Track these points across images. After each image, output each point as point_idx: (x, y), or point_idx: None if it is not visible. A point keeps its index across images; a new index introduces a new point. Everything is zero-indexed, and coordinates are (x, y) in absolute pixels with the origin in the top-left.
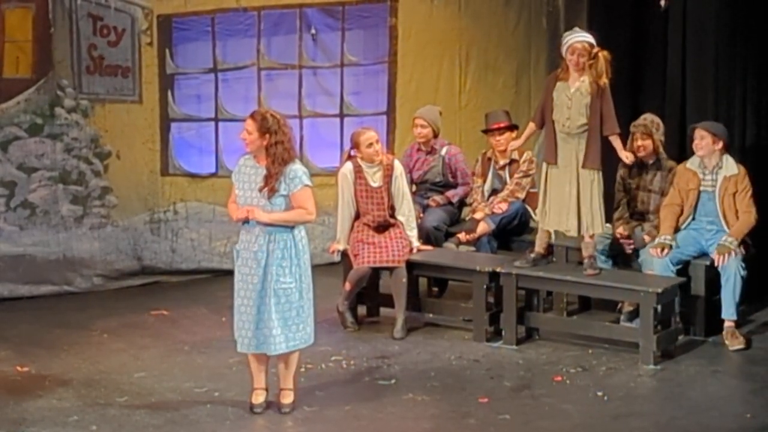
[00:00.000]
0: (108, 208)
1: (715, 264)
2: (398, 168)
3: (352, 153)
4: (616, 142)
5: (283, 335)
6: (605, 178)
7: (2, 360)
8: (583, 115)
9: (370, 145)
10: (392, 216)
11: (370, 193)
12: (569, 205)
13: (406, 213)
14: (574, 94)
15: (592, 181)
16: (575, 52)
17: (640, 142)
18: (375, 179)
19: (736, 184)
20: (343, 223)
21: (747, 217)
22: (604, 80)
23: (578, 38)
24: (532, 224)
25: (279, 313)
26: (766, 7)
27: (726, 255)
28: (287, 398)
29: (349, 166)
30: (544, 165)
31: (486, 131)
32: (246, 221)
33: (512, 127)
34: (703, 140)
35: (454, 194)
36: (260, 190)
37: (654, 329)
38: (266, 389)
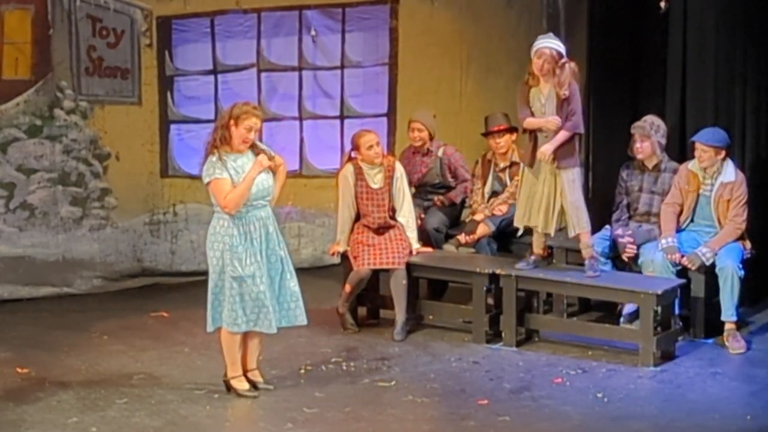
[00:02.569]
0: (107, 209)
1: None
2: (399, 169)
3: (353, 155)
4: (562, 137)
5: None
6: (606, 179)
7: (2, 362)
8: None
9: (371, 147)
10: (393, 218)
11: (371, 195)
12: (540, 202)
13: (407, 215)
14: (547, 100)
15: (572, 181)
16: (542, 57)
17: (638, 144)
18: (376, 181)
19: (731, 191)
20: (343, 225)
21: (731, 226)
22: (565, 91)
23: (546, 44)
24: None
25: (295, 280)
26: (766, 7)
27: (692, 265)
28: (260, 376)
29: (350, 168)
30: (522, 164)
31: (486, 134)
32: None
33: (512, 130)
34: (706, 153)
35: (455, 195)
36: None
37: (654, 331)
38: None
